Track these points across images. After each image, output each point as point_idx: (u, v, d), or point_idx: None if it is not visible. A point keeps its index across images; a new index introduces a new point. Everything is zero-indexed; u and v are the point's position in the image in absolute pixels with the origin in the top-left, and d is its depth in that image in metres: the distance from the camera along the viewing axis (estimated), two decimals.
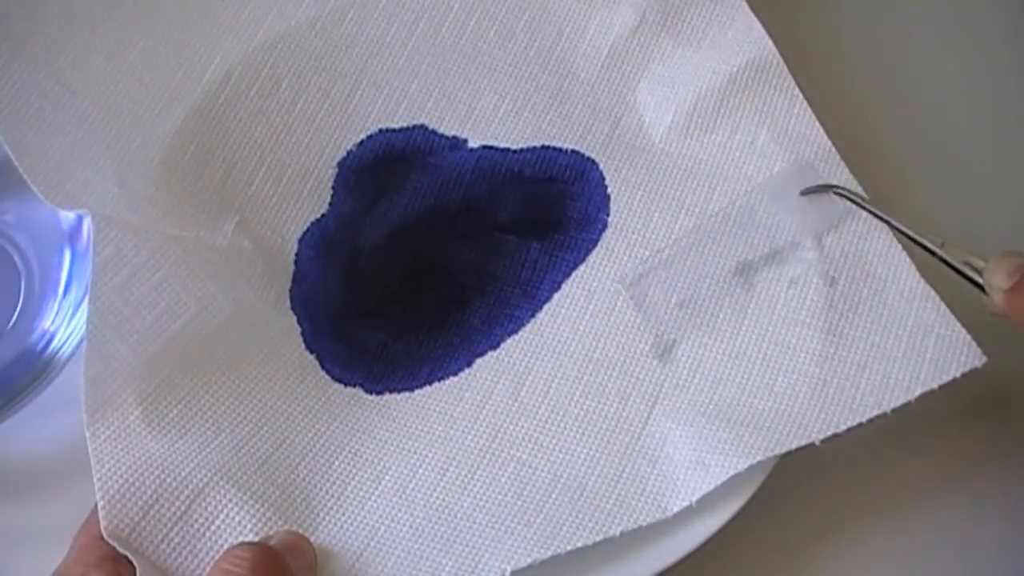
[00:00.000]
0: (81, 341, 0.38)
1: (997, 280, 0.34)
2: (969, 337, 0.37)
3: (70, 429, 0.38)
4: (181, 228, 0.41)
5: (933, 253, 0.37)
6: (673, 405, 0.38)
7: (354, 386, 0.40)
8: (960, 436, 0.40)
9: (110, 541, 0.34)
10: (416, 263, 0.42)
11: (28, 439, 0.40)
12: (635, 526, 0.35)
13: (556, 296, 0.41)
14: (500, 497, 0.36)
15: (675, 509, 0.35)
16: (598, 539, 0.35)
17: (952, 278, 0.38)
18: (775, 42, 0.43)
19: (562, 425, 0.38)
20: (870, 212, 0.39)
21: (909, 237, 0.38)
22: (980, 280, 0.35)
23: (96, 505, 0.35)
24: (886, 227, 0.39)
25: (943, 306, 0.38)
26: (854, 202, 0.39)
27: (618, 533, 0.35)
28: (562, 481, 0.37)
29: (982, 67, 0.49)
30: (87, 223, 0.40)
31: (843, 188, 0.40)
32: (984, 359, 0.36)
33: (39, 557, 0.36)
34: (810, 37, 0.48)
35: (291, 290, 0.42)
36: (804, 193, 0.40)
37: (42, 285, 0.42)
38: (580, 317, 0.40)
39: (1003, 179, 0.46)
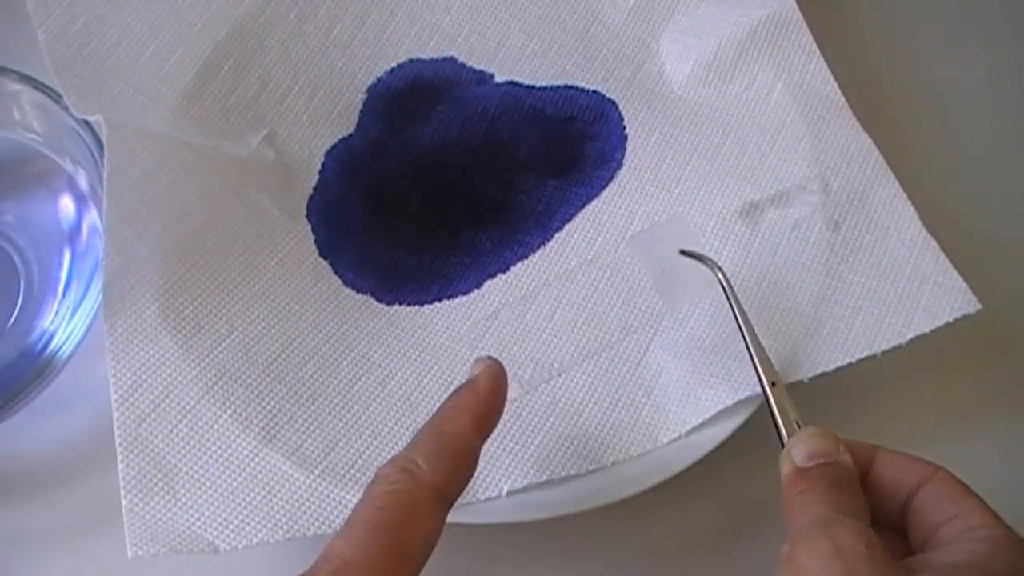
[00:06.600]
0: (81, 341, 0.38)
1: (795, 453, 0.31)
2: (965, 285, 0.38)
3: (70, 429, 0.39)
4: (206, 137, 0.42)
5: (761, 385, 0.34)
6: (671, 338, 0.39)
7: (365, 293, 0.41)
8: (959, 380, 0.41)
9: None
10: (436, 189, 0.43)
11: (28, 439, 0.39)
12: (626, 457, 0.36)
13: (567, 227, 0.42)
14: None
15: (665, 440, 0.37)
16: (591, 468, 0.36)
17: (955, 229, 0.39)
18: None
19: (564, 350, 0.39)
20: (730, 302, 0.36)
21: (750, 353, 0.35)
22: (785, 441, 0.33)
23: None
24: (892, 176, 0.40)
25: (942, 255, 0.38)
26: (722, 286, 0.37)
27: (610, 463, 0.36)
28: (560, 405, 0.38)
29: (994, 21, 0.49)
30: (86, 222, 0.41)
31: (718, 266, 0.37)
32: (979, 306, 0.37)
33: (39, 557, 0.37)
34: None
35: (311, 199, 0.43)
36: (684, 253, 0.39)
37: (42, 285, 0.41)
38: (588, 248, 0.41)
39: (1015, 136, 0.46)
